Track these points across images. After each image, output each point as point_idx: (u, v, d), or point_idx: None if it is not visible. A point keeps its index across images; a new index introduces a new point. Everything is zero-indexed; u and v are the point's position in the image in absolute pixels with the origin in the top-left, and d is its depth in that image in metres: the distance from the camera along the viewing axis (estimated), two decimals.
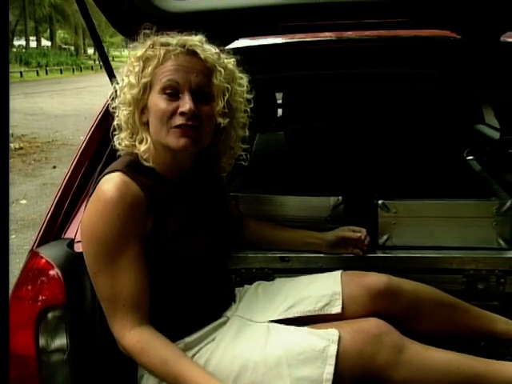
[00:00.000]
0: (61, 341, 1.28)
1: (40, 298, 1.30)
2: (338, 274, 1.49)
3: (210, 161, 1.47)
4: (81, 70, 31.76)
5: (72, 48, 43.03)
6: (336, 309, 1.41)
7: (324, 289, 1.45)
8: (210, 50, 1.31)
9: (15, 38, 39.96)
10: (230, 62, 1.37)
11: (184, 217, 1.34)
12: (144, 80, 1.28)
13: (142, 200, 1.25)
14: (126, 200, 1.23)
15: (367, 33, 1.74)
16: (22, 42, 40.23)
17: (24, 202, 5.87)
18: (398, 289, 1.45)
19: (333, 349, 1.27)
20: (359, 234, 1.60)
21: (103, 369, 1.32)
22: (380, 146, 2.02)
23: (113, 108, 1.35)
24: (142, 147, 1.30)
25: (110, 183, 1.24)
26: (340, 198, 1.70)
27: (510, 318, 1.64)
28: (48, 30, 41.44)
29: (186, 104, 1.26)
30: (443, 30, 1.64)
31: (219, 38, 1.36)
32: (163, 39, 1.31)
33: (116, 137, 1.36)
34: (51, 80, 24.74)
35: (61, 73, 29.15)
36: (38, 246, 1.40)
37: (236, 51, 1.41)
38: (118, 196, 1.22)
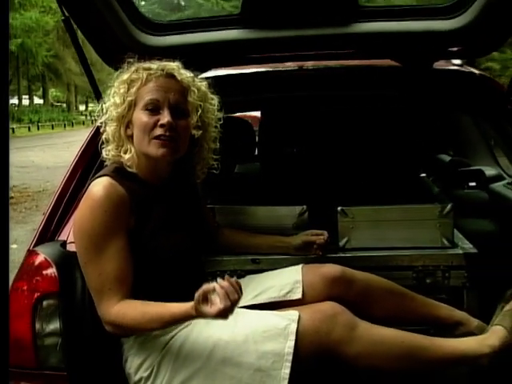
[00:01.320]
0: (54, 326, 1.46)
1: (37, 288, 1.48)
2: (299, 266, 1.69)
3: (186, 171, 1.69)
4: (72, 125, 32.31)
5: (64, 105, 43.83)
6: (297, 295, 1.60)
7: (287, 278, 1.65)
8: (185, 74, 1.56)
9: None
10: (203, 84, 1.61)
11: (162, 217, 1.55)
12: (129, 99, 1.51)
13: (127, 200, 1.46)
14: (112, 199, 1.44)
15: (324, 62, 2.01)
16: (15, 101, 41.01)
17: (15, 246, 5.99)
18: (351, 277, 1.64)
19: (293, 327, 1.45)
20: (321, 237, 1.80)
21: (92, 351, 1.48)
22: (339, 162, 2.25)
23: (100, 123, 1.58)
24: (127, 156, 1.53)
25: (99, 185, 1.45)
26: (304, 207, 1.91)
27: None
28: (41, 89, 42.29)
29: (165, 118, 1.48)
30: (388, 60, 1.92)
31: (194, 68, 1.61)
32: (146, 65, 1.55)
33: (104, 149, 1.58)
34: (43, 135, 25.14)
35: (52, 128, 29.61)
36: (35, 246, 1.60)
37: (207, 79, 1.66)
38: (106, 195, 1.43)
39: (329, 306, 1.51)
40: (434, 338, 1.56)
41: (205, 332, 1.48)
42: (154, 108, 1.50)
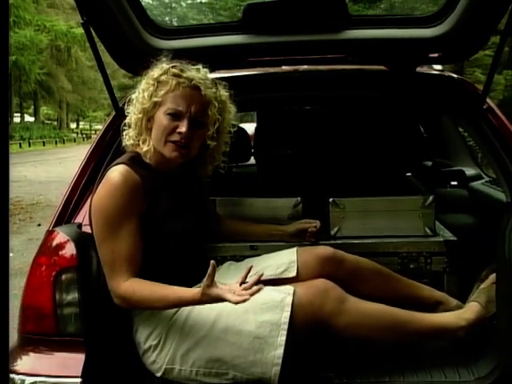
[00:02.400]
0: (73, 297, 1.59)
1: (57, 263, 1.62)
2: (294, 248, 1.85)
3: (195, 166, 1.85)
4: (64, 142, 32.40)
5: (55, 123, 43.89)
6: (292, 273, 1.76)
7: (283, 258, 1.81)
8: (210, 87, 1.69)
9: None
10: (225, 94, 1.76)
11: (171, 202, 1.72)
12: (155, 99, 1.66)
13: (140, 186, 1.62)
14: (128, 184, 1.60)
15: (318, 66, 2.19)
16: None
17: (11, 255, 6.10)
18: (342, 258, 1.80)
19: (289, 299, 1.60)
20: (314, 225, 1.96)
21: (106, 320, 1.62)
22: (331, 160, 2.43)
23: (126, 110, 1.73)
24: (145, 148, 1.69)
25: (117, 171, 1.61)
26: (299, 198, 2.08)
27: None
28: (32, 106, 42.36)
29: (183, 127, 1.64)
30: (376, 65, 2.11)
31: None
32: (176, 70, 1.67)
33: (125, 132, 1.74)
34: (34, 152, 25.18)
35: (43, 145, 29.69)
36: (53, 227, 1.74)
37: None
38: (122, 180, 1.59)
39: (321, 282, 1.67)
40: (416, 313, 1.72)
41: (208, 305, 1.63)
42: (175, 115, 1.65)
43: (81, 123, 53.55)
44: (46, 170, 15.57)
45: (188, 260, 1.76)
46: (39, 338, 1.60)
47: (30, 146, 28.36)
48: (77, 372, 1.51)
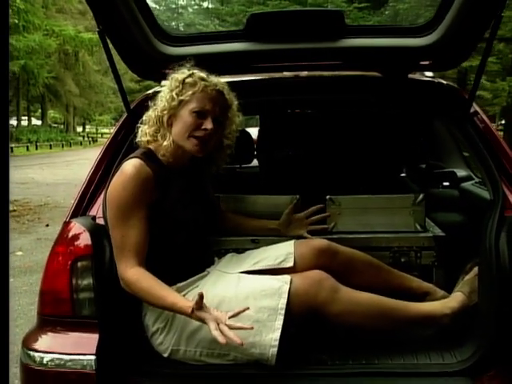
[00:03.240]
0: (88, 282, 1.73)
1: (73, 251, 1.76)
2: (292, 241, 1.99)
3: (204, 163, 1.99)
4: (70, 146, 32.70)
5: (62, 126, 44.25)
6: (289, 263, 1.90)
7: (281, 250, 1.95)
8: (229, 92, 1.88)
9: None
10: (236, 103, 1.93)
11: (180, 193, 1.86)
12: (182, 98, 1.82)
13: (151, 178, 1.77)
14: (140, 175, 1.74)
15: (316, 72, 2.33)
16: (13, 122, 41.41)
17: (20, 253, 6.26)
18: (336, 250, 1.94)
19: (286, 287, 1.74)
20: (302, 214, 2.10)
21: (118, 304, 1.76)
22: (328, 160, 2.57)
23: (149, 106, 1.90)
24: (165, 142, 1.84)
25: (130, 164, 1.76)
26: (298, 196, 2.21)
27: None
28: (39, 110, 42.73)
29: (208, 124, 1.81)
30: (370, 71, 2.26)
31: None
32: (202, 74, 1.85)
33: (140, 128, 1.89)
34: (41, 155, 25.43)
35: (50, 148, 29.97)
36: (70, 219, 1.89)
37: None
38: (136, 172, 1.74)
39: (316, 273, 1.81)
40: (404, 302, 1.85)
41: (211, 291, 1.76)
42: (201, 114, 1.82)
43: (87, 127, 53.94)
44: (53, 173, 15.77)
45: (194, 250, 1.90)
46: (57, 320, 1.73)
47: (37, 148, 28.63)
48: (91, 350, 1.65)
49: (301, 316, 1.76)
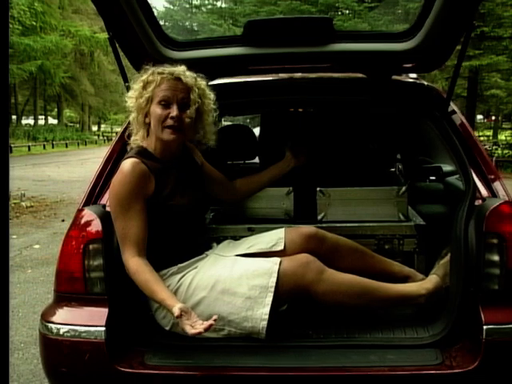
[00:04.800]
0: (99, 263, 1.93)
1: (86, 235, 1.97)
2: (283, 228, 2.18)
3: (191, 150, 2.18)
4: (85, 144, 33.14)
5: (77, 125, 44.78)
6: (280, 247, 2.09)
7: (273, 235, 2.14)
8: (189, 76, 2.02)
9: (23, 117, 41.81)
10: (203, 83, 2.08)
11: (174, 183, 2.04)
12: (147, 95, 1.99)
13: (147, 173, 1.95)
14: (135, 172, 1.93)
15: (309, 74, 2.52)
16: (30, 121, 42.00)
17: (37, 246, 6.52)
18: (323, 236, 2.13)
19: (276, 267, 1.93)
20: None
21: (125, 282, 1.95)
22: (322, 155, 2.76)
23: (127, 111, 2.08)
24: (146, 141, 2.04)
25: (127, 163, 1.95)
26: (291, 188, 2.40)
27: None
28: (55, 109, 43.28)
29: (174, 111, 1.96)
30: (357, 73, 2.44)
31: (206, 76, 2.12)
32: (159, 69, 2.01)
33: (128, 130, 2.10)
34: (57, 153, 25.86)
35: (66, 146, 30.40)
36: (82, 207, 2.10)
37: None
38: (132, 170, 1.93)
39: (304, 256, 1.99)
40: (384, 283, 2.04)
41: (209, 271, 1.97)
42: (166, 103, 1.98)
43: (102, 126, 54.50)
44: (69, 171, 16.10)
45: (193, 233, 2.10)
46: (71, 296, 1.94)
47: (53, 147, 29.07)
48: (101, 323, 1.85)
49: (289, 294, 1.95)
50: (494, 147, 19.26)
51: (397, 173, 2.70)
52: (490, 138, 25.48)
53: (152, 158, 2.01)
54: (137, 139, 2.07)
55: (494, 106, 26.75)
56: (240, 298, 1.90)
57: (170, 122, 1.97)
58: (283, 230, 2.17)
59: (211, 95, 2.11)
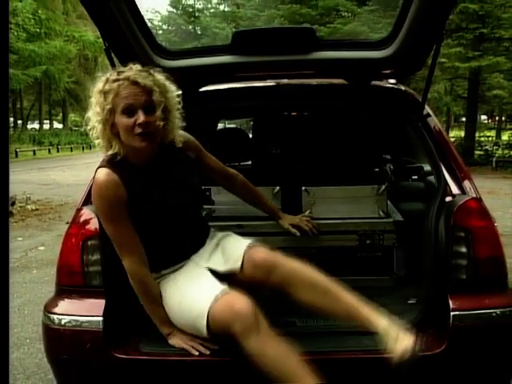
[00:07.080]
0: (96, 258, 2.07)
1: (84, 232, 2.11)
2: (247, 242, 2.06)
3: (171, 146, 2.05)
4: (90, 148, 33.18)
5: (82, 130, 44.97)
6: (237, 266, 2.01)
7: (238, 251, 2.04)
8: (146, 77, 1.89)
9: (29, 122, 42.08)
10: (161, 77, 1.96)
11: (153, 185, 1.98)
12: (108, 107, 1.87)
13: (119, 182, 1.91)
14: (108, 184, 1.90)
15: (294, 80, 2.67)
16: (35, 126, 42.23)
17: (42, 248, 6.69)
18: (274, 265, 1.95)
19: (206, 308, 1.84)
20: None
21: (120, 276, 2.08)
22: (307, 154, 2.91)
23: (89, 125, 1.96)
24: (116, 150, 1.93)
25: (99, 173, 1.93)
26: (278, 187, 2.55)
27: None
28: (60, 114, 43.56)
29: (140, 118, 1.86)
30: (338, 79, 2.60)
31: (196, 83, 2.27)
32: (113, 76, 1.89)
33: (97, 142, 1.97)
34: (62, 157, 26.10)
35: (71, 150, 30.65)
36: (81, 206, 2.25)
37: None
38: (104, 181, 1.91)
39: (239, 302, 1.80)
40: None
41: (175, 286, 2.01)
42: (130, 111, 1.87)
43: None
44: (74, 174, 16.25)
45: (185, 230, 2.07)
46: (71, 289, 2.09)
47: (58, 151, 29.32)
48: (99, 313, 1.99)
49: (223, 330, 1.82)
50: (495, 147, 19.34)
51: (389, 173, 2.83)
52: (491, 138, 25.52)
53: (124, 166, 1.95)
54: (109, 149, 1.97)
55: (497, 106, 26.80)
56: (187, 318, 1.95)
57: (138, 129, 1.88)
58: (245, 246, 2.05)
59: (172, 87, 2.00)
